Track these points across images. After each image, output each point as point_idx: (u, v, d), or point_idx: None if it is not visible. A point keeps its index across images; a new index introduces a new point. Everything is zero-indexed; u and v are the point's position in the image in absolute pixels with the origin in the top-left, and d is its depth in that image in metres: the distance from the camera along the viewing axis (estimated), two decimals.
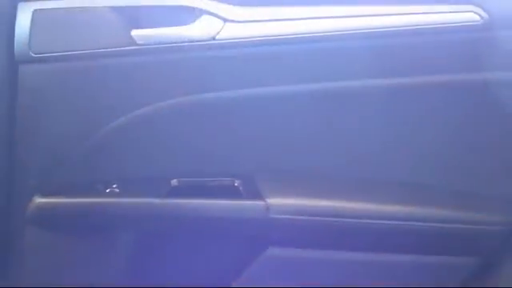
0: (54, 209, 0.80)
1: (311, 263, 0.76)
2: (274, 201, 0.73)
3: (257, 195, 0.74)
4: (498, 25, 0.63)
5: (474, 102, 0.67)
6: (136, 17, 0.72)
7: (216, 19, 0.71)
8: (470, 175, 0.71)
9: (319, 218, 0.73)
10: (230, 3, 0.71)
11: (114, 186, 0.80)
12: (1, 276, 0.85)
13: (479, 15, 0.63)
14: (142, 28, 0.71)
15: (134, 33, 0.71)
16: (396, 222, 0.70)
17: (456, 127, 0.69)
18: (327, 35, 0.70)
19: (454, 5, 0.65)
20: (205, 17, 0.71)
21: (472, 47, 0.65)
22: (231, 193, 0.77)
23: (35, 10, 0.72)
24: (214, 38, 0.71)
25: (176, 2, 0.71)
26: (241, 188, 0.77)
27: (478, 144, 0.69)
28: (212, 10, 0.71)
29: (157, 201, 0.77)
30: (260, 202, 0.74)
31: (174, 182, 0.80)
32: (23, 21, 0.72)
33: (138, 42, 0.71)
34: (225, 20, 0.71)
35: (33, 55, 0.73)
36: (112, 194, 0.79)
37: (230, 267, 0.78)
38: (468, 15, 0.63)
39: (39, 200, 0.79)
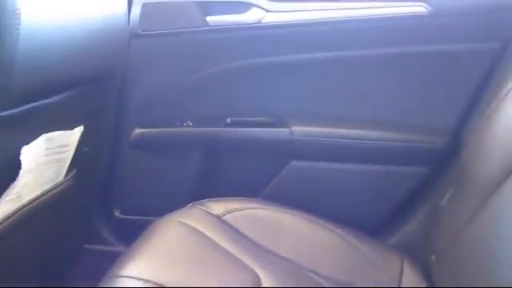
0: (148, 137, 1.19)
1: (321, 171, 1.15)
2: (296, 128, 1.13)
3: (284, 125, 1.14)
4: (438, 14, 1.03)
5: (420, 63, 1.06)
6: (210, 7, 1.11)
7: (261, 10, 1.10)
8: (414, 112, 1.09)
9: (327, 139, 1.12)
10: (270, 0, 1.10)
11: (189, 121, 1.19)
12: (109, 188, 1.22)
13: (426, 8, 1.03)
14: (213, 15, 1.11)
15: (208, 18, 1.11)
16: (371, 142, 1.10)
17: (407, 80, 1.08)
18: (328, 20, 1.08)
19: (411, 1, 1.04)
20: (254, 8, 1.10)
21: (422, 29, 1.04)
22: (267, 125, 1.16)
23: (144, 3, 1.11)
24: (259, 22, 1.10)
25: None
26: (273, 122, 1.16)
27: (416, 91, 1.08)
28: (258, 4, 1.10)
29: (216, 130, 1.17)
30: (286, 129, 1.13)
31: (228, 120, 1.19)
32: (136, 10, 1.11)
33: (211, 24, 1.11)
34: (266, 11, 1.10)
35: (141, 32, 1.12)
36: (187, 127, 1.18)
37: (265, 175, 1.17)
38: (419, 8, 1.03)
39: (138, 130, 1.19)
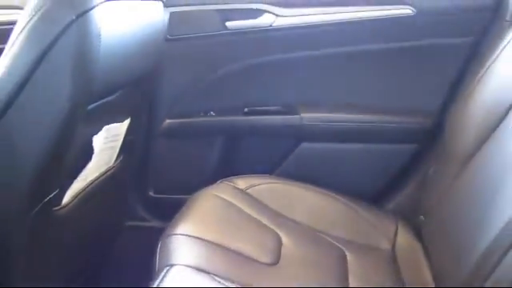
0: (177, 126, 1.38)
1: (327, 151, 1.34)
2: (305, 115, 1.32)
3: (294, 113, 1.33)
4: (422, 15, 1.22)
5: (407, 56, 1.25)
6: (228, 14, 1.30)
7: (272, 15, 1.29)
8: (403, 98, 1.29)
9: (331, 123, 1.32)
10: (279, 7, 1.29)
11: (211, 112, 1.38)
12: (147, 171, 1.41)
13: (412, 10, 1.22)
14: (231, 20, 1.30)
15: (227, 23, 1.30)
16: (369, 124, 1.30)
17: (397, 71, 1.27)
18: (328, 23, 1.27)
19: (399, 5, 1.23)
20: (266, 14, 1.29)
21: (408, 27, 1.24)
22: (279, 113, 1.36)
23: (172, 12, 1.30)
24: (271, 26, 1.29)
25: (250, 6, 1.29)
26: (285, 110, 1.36)
27: (405, 80, 1.28)
28: (269, 10, 1.29)
29: (235, 119, 1.37)
30: (296, 116, 1.33)
31: (246, 109, 1.38)
32: (165, 18, 1.30)
33: (229, 28, 1.30)
34: (277, 16, 1.29)
35: (169, 37, 1.30)
36: (210, 116, 1.38)
37: (279, 155, 1.36)
38: (406, 10, 1.22)
39: (168, 121, 1.38)
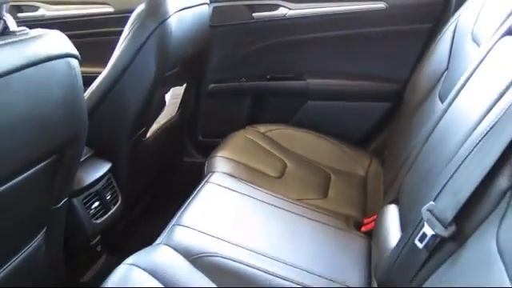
0: (218, 89, 1.93)
1: (325, 107, 1.86)
2: (310, 80, 1.83)
3: (302, 78, 1.85)
4: (393, 8, 1.69)
5: (384, 38, 1.73)
6: (254, 7, 1.81)
7: (286, 8, 1.79)
8: (380, 67, 1.78)
9: (329, 86, 1.83)
10: (291, 2, 1.79)
11: (243, 78, 1.91)
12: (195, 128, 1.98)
13: (385, 4, 1.69)
14: (256, 12, 1.81)
15: (254, 14, 1.81)
16: (355, 86, 1.80)
17: (376, 49, 1.75)
18: (324, 14, 1.76)
19: (377, 1, 1.70)
20: (281, 8, 1.79)
21: (382, 17, 1.71)
22: (291, 79, 1.87)
23: (214, 6, 1.82)
24: (285, 16, 1.79)
25: (270, 2, 1.79)
26: (296, 77, 1.87)
27: (381, 55, 1.76)
28: (284, 5, 1.79)
29: (260, 83, 1.89)
30: (303, 81, 1.84)
31: (268, 76, 1.90)
32: (209, 11, 1.83)
33: (255, 17, 1.81)
34: (289, 9, 1.79)
35: (211, 24, 1.83)
36: (242, 82, 1.91)
37: (291, 109, 1.88)
38: (380, 5, 1.69)
39: (212, 85, 1.92)
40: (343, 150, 1.75)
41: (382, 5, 1.70)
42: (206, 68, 1.86)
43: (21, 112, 0.77)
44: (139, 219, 1.66)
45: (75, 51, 0.88)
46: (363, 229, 1.34)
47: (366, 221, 1.37)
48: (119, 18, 1.85)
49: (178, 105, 1.71)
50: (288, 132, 1.77)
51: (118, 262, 1.01)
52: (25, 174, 0.86)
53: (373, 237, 1.22)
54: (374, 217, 1.33)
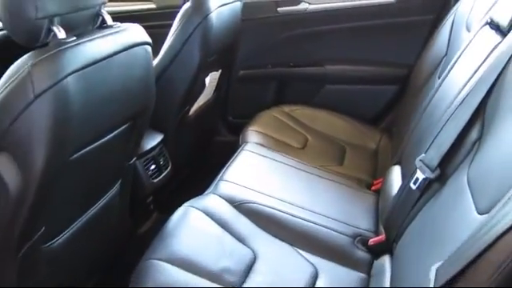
0: (247, 74, 2.19)
1: (341, 90, 2.12)
2: (328, 66, 2.10)
3: (321, 65, 2.11)
4: (400, 1, 1.93)
5: (392, 27, 1.98)
6: (279, 3, 2.07)
7: (306, 4, 2.05)
8: (388, 53, 2.02)
9: (343, 71, 2.08)
10: None
11: (269, 65, 2.18)
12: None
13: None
14: (281, 7, 2.07)
15: (278, 9, 2.07)
16: (365, 71, 2.05)
17: (385, 37, 2.00)
18: (339, 8, 2.02)
19: None
20: (302, 3, 2.05)
21: (390, 10, 1.95)
22: (311, 65, 2.13)
23: (244, 2, 2.08)
24: (306, 10, 2.05)
25: None
26: (315, 63, 2.13)
27: (389, 42, 2.00)
28: (305, 0, 2.05)
29: (284, 69, 2.16)
30: (322, 67, 2.10)
31: (291, 63, 2.17)
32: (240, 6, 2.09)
33: (280, 12, 2.08)
34: (309, 4, 2.05)
35: (242, 18, 2.10)
36: (268, 68, 2.18)
37: (312, 92, 2.14)
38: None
39: (242, 72, 2.19)
40: (357, 127, 2.01)
41: None
42: (236, 56, 2.13)
43: (116, 86, 1.05)
44: (184, 184, 1.95)
45: (150, 40, 1.16)
46: (373, 188, 1.60)
47: (375, 182, 1.63)
48: (161, 14, 2.14)
49: (213, 88, 1.99)
50: (308, 111, 2.04)
51: (167, 219, 1.26)
52: (111, 135, 1.14)
53: (380, 192, 1.48)
54: (382, 179, 1.59)
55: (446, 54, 1.64)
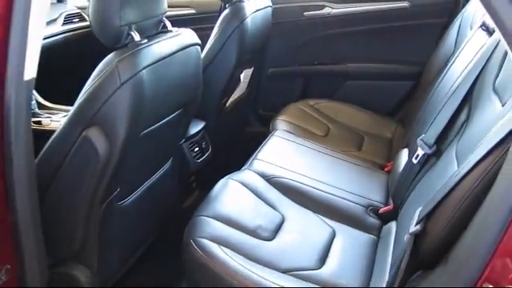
0: (275, 72, 2.45)
1: (361, 85, 2.35)
2: (349, 64, 2.34)
3: (343, 63, 2.35)
4: (414, 6, 2.16)
5: (407, 30, 2.21)
6: (305, 8, 2.32)
7: (330, 8, 2.30)
8: (401, 52, 2.25)
9: (363, 68, 2.32)
10: (333, 3, 2.30)
11: (296, 64, 2.43)
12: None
13: (408, 4, 2.17)
14: (307, 12, 2.32)
15: (305, 13, 2.33)
16: (382, 69, 2.29)
17: (399, 38, 2.23)
18: (357, 12, 2.26)
19: (400, 0, 2.18)
20: (326, 7, 2.30)
21: (405, 14, 2.19)
22: (335, 63, 2.38)
23: (274, 7, 2.34)
24: (329, 14, 2.30)
25: (317, 3, 2.31)
26: (338, 62, 2.38)
27: (403, 43, 2.23)
28: (328, 5, 2.30)
29: (309, 67, 2.41)
30: (343, 65, 2.35)
31: (316, 62, 2.42)
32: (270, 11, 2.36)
33: (306, 16, 2.33)
34: (332, 8, 2.30)
35: (272, 21, 2.36)
36: (295, 66, 2.43)
37: (335, 87, 2.39)
38: (404, 4, 2.17)
39: (271, 70, 2.45)
40: (374, 118, 2.25)
41: (405, 4, 2.19)
42: (266, 56, 2.40)
43: (175, 79, 1.33)
44: (220, 166, 2.22)
45: (200, 41, 1.43)
46: (386, 169, 1.84)
47: (388, 164, 1.87)
48: (200, 18, 2.42)
49: (247, 84, 2.26)
50: (331, 105, 2.28)
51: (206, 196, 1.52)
52: (168, 118, 1.42)
53: (390, 171, 1.73)
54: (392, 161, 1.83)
55: (453, 53, 1.86)
